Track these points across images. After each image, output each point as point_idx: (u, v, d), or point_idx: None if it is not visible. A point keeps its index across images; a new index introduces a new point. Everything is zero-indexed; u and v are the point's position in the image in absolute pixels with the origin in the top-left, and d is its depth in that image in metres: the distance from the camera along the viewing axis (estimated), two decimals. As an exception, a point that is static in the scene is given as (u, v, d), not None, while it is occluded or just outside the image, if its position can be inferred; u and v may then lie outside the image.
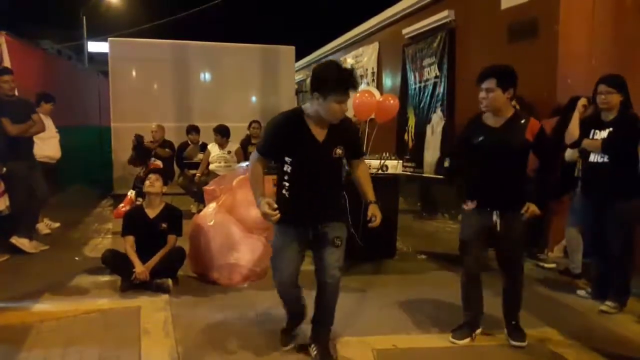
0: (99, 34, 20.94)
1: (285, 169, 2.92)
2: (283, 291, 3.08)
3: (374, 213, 2.97)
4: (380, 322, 3.63)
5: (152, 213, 4.39)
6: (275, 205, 2.79)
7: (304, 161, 2.89)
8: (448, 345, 3.28)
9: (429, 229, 6.85)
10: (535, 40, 5.59)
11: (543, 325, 3.58)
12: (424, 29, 7.86)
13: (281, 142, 2.88)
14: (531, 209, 3.13)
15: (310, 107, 2.87)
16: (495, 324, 3.51)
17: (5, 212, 5.16)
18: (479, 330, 3.39)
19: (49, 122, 6.22)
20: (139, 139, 7.42)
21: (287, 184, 2.93)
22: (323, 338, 3.05)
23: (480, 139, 3.19)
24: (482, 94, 3.18)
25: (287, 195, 2.93)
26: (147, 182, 4.41)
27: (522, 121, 3.17)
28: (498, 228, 3.18)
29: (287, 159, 2.89)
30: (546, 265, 4.98)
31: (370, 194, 3.07)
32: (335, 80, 2.73)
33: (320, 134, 2.88)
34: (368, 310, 3.84)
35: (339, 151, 2.92)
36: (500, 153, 3.16)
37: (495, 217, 3.19)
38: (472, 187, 3.32)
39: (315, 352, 3.01)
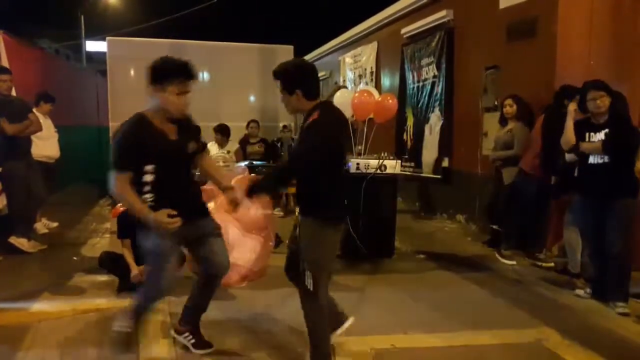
0: (97, 33, 20.91)
1: (144, 179, 2.73)
2: (160, 297, 3.06)
3: (234, 199, 3.00)
4: (378, 321, 3.63)
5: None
6: (175, 212, 2.67)
7: (165, 163, 2.76)
8: (446, 345, 3.28)
9: (428, 229, 6.85)
10: (534, 40, 5.60)
11: (541, 325, 3.58)
12: (423, 28, 7.86)
13: (136, 151, 2.70)
14: None
15: (152, 106, 2.77)
16: (496, 322, 3.51)
17: (4, 211, 5.15)
18: None
19: (47, 122, 6.21)
20: None
21: (150, 195, 2.75)
22: (197, 326, 3.13)
23: None
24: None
25: (155, 205, 2.73)
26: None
27: None
28: None
29: (147, 167, 2.73)
30: (544, 264, 4.99)
31: (225, 180, 3.11)
32: (173, 70, 2.68)
33: (170, 131, 2.80)
34: (366, 310, 3.84)
35: (192, 146, 2.89)
36: None
37: None
38: None
39: (192, 340, 3.07)
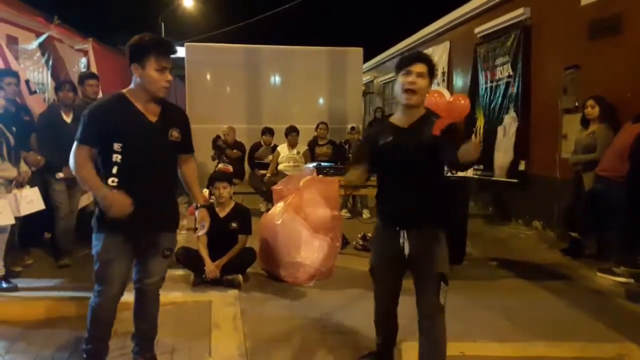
0: (175, 39, 21.90)
1: (113, 158, 2.50)
2: (105, 314, 2.68)
3: (204, 218, 2.77)
4: (447, 328, 3.54)
5: (222, 212, 4.54)
6: (129, 201, 2.45)
7: (136, 144, 2.52)
8: (518, 355, 3.17)
9: (502, 235, 6.62)
10: (618, 37, 5.27)
11: (623, 340, 3.37)
12: (498, 27, 7.62)
13: (105, 124, 2.48)
14: None
15: (132, 86, 2.59)
16: (573, 334, 3.34)
17: (90, 206, 5.50)
18: None
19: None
20: (216, 140, 7.86)
21: (115, 180, 2.52)
22: (151, 354, 2.86)
23: None
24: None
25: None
26: (215, 192, 4.54)
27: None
28: None
29: (115, 145, 2.49)
30: (623, 280, 4.61)
31: (199, 197, 2.83)
32: (150, 45, 2.48)
33: (151, 113, 2.57)
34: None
35: (175, 134, 2.61)
36: None
37: None
38: None
39: None
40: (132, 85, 2.60)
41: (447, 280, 2.52)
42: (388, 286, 2.73)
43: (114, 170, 2.51)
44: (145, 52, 2.48)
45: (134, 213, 2.48)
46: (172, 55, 2.57)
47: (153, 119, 2.57)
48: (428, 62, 2.57)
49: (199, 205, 2.82)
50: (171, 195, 2.74)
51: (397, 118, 2.65)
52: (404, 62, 2.56)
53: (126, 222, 2.49)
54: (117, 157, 2.50)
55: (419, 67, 2.52)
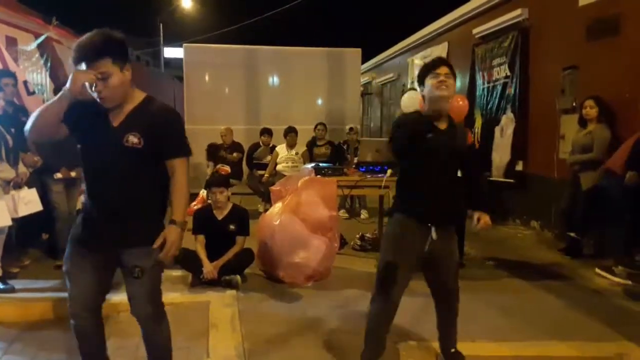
0: (174, 40, 21.95)
1: (81, 157, 2.34)
2: (80, 334, 2.45)
3: (166, 235, 2.29)
4: (445, 327, 3.55)
5: (220, 214, 4.53)
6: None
7: (90, 147, 2.29)
8: (516, 354, 3.17)
9: (499, 235, 6.62)
10: (616, 38, 5.28)
11: (622, 339, 3.37)
12: (496, 28, 7.63)
13: (74, 109, 2.19)
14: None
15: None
16: (572, 334, 3.33)
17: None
18: None
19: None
20: (210, 148, 7.95)
21: (85, 178, 2.36)
22: None
23: None
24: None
25: (85, 200, 2.33)
26: (212, 197, 4.53)
27: None
28: None
29: (78, 144, 2.32)
30: (622, 281, 4.60)
31: (176, 211, 2.33)
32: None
33: (116, 117, 2.27)
34: (433, 315, 3.75)
35: (132, 139, 2.22)
36: None
37: None
38: None
39: None
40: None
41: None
42: (405, 283, 2.78)
43: (84, 169, 2.36)
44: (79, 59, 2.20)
45: (92, 224, 2.31)
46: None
47: (116, 122, 2.27)
48: (450, 65, 2.69)
49: (170, 219, 2.35)
50: (139, 207, 2.34)
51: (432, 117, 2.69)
52: (429, 67, 2.69)
53: (86, 235, 2.33)
54: (82, 157, 2.34)
55: (444, 69, 2.64)
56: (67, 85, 2.12)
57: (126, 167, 2.27)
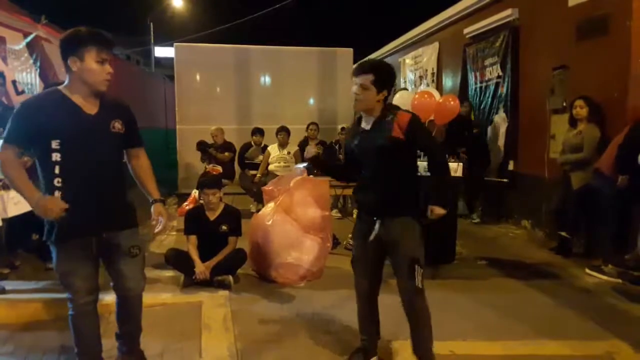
0: (165, 40, 21.85)
1: (53, 158, 2.37)
2: (82, 323, 2.60)
3: (160, 213, 2.67)
4: (437, 327, 3.54)
5: (212, 215, 4.52)
6: (65, 206, 2.34)
7: (74, 139, 2.38)
8: (508, 354, 3.18)
9: (491, 234, 6.66)
10: (606, 38, 5.33)
11: (612, 337, 3.40)
12: (487, 28, 7.67)
13: (35, 121, 2.34)
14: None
15: (68, 82, 2.45)
16: (563, 332, 3.36)
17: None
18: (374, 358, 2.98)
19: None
20: (200, 144, 7.86)
21: (60, 179, 2.39)
22: (138, 352, 2.83)
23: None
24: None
25: (63, 193, 2.38)
26: (204, 198, 4.51)
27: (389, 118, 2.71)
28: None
29: (53, 143, 2.35)
30: (612, 279, 4.64)
31: (155, 192, 2.70)
32: (89, 36, 2.38)
33: (90, 107, 2.44)
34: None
35: (117, 125, 2.48)
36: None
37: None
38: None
39: None
40: (66, 82, 2.46)
41: (420, 264, 2.74)
42: (368, 275, 2.88)
43: (57, 170, 2.38)
44: (84, 44, 2.36)
45: (83, 214, 2.40)
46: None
47: (92, 111, 2.44)
48: (373, 71, 2.69)
49: (153, 199, 2.69)
50: (121, 191, 2.59)
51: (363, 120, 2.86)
52: (353, 72, 2.76)
53: (75, 226, 2.40)
54: (56, 156, 2.37)
55: (360, 79, 2.68)
56: (38, 212, 2.32)
57: (111, 153, 2.53)
